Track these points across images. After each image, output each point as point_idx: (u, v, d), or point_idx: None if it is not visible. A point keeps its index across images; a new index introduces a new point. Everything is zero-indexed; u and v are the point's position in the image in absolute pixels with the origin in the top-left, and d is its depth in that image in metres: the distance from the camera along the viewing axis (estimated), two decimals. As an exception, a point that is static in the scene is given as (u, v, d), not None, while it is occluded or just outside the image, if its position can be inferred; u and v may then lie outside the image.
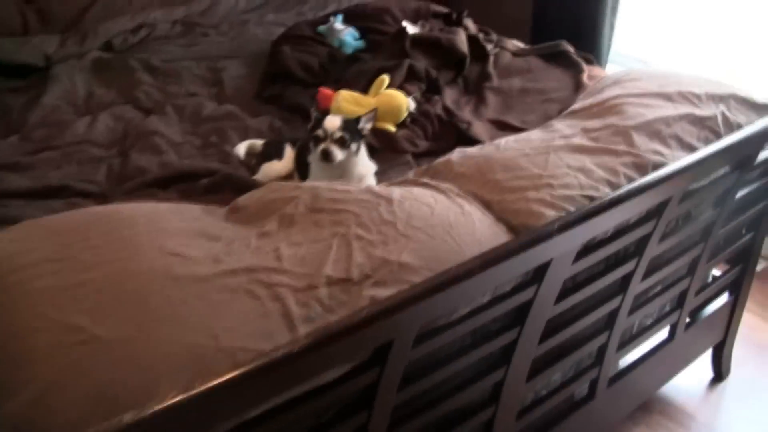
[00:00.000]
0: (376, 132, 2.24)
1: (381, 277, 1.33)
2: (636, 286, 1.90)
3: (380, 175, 2.08)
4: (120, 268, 1.23)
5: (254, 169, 2.07)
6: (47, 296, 1.12)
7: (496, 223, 1.60)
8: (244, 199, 1.50)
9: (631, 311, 1.96)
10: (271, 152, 2.07)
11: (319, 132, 1.87)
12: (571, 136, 1.91)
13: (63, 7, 2.89)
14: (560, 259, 1.57)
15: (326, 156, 1.84)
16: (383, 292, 1.30)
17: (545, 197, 1.65)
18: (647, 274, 1.92)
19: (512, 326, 1.58)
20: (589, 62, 2.82)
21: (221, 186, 1.93)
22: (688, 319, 2.24)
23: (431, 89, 2.58)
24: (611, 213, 1.65)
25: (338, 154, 1.85)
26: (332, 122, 1.87)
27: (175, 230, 1.34)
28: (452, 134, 2.30)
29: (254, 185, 1.91)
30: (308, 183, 1.52)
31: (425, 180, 1.67)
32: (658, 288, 2.08)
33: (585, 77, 2.65)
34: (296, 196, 1.47)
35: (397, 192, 1.54)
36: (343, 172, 1.90)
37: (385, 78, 2.34)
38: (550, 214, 1.60)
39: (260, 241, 1.36)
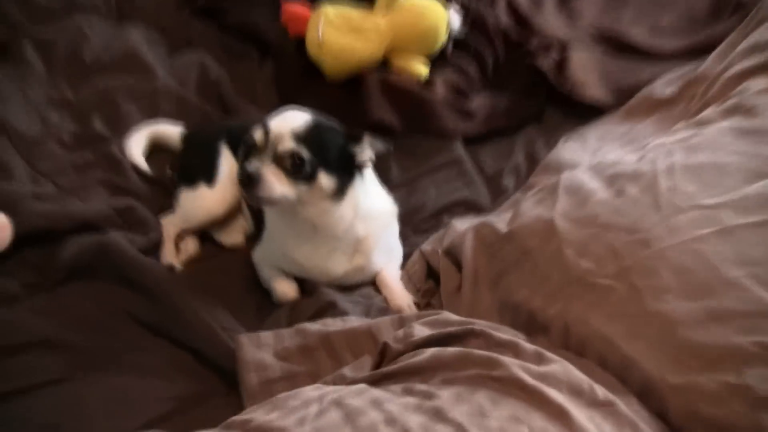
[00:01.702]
0: (393, 87, 1.23)
1: None
2: None
3: (406, 191, 1.10)
4: None
5: (173, 193, 1.09)
6: None
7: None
8: None
9: None
10: (195, 164, 1.08)
11: (256, 135, 0.87)
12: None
13: None
14: None
15: (246, 183, 0.85)
16: None
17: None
18: None
19: None
20: None
21: (96, 265, 0.99)
22: None
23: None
24: None
25: (274, 188, 0.86)
26: (283, 123, 0.87)
27: None
28: (529, 71, 1.27)
29: (148, 268, 0.98)
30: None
31: (517, 343, 0.71)
32: None
33: None
34: None
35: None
36: (315, 230, 0.93)
37: (405, -25, 1.27)
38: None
39: None
